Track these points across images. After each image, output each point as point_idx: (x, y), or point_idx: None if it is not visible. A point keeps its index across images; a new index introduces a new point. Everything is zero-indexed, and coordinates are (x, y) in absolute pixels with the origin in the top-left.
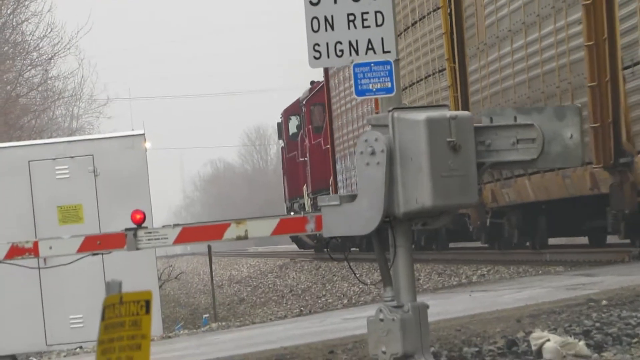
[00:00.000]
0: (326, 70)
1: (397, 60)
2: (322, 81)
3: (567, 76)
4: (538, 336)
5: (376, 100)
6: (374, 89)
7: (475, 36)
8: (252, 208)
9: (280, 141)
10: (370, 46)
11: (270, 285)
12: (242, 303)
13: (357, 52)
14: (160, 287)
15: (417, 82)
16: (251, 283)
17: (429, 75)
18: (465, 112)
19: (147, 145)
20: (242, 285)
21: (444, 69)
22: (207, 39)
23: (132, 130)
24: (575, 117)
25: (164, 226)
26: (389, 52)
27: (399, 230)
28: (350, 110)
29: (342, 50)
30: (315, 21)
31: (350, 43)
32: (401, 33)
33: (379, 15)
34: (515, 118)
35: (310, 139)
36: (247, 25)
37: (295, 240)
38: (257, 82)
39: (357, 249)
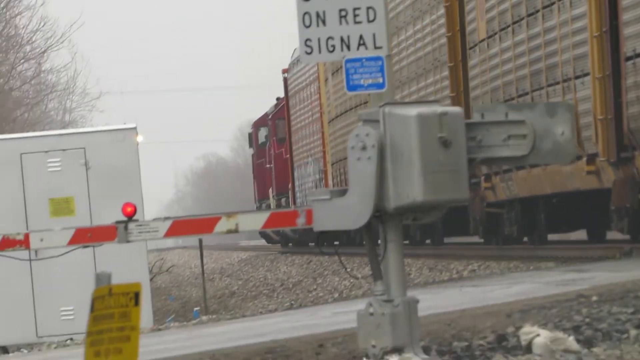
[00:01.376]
0: (286, 91)
1: (389, 56)
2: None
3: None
4: (528, 331)
5: (321, 120)
6: (366, 84)
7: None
8: (244, 202)
9: (251, 149)
10: (362, 42)
11: (261, 279)
12: (233, 296)
13: (348, 48)
14: (151, 279)
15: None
16: (242, 276)
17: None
18: (456, 108)
19: (139, 138)
20: (233, 278)
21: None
22: (200, 34)
23: (124, 123)
24: (567, 113)
25: (154, 219)
26: (380, 47)
27: (390, 224)
28: (306, 127)
29: (333, 46)
30: (307, 16)
31: (342, 38)
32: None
33: (370, 10)
34: (506, 114)
35: (274, 148)
36: (243, 21)
37: (264, 235)
38: (250, 76)
39: (337, 243)
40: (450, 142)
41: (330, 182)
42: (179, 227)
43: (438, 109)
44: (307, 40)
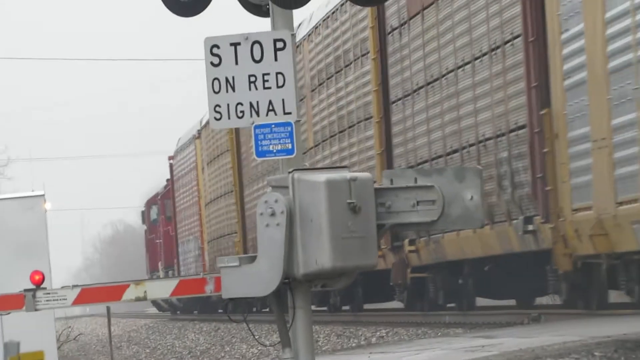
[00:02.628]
0: (172, 175)
1: (298, 122)
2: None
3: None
4: None
5: (199, 203)
6: (275, 150)
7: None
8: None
9: (144, 225)
10: (271, 107)
11: (169, 347)
12: None
13: (257, 114)
14: (58, 348)
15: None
16: (150, 344)
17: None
18: (366, 174)
19: (47, 206)
20: (141, 346)
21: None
22: (107, 98)
23: (33, 191)
24: (476, 178)
25: (62, 287)
26: (289, 113)
27: (299, 291)
28: (187, 208)
29: (242, 112)
30: (216, 82)
31: (251, 104)
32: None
33: (280, 76)
34: (415, 179)
35: (163, 225)
36: (149, 85)
37: (154, 303)
38: (157, 142)
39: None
40: (360, 208)
41: (206, 257)
42: (87, 295)
43: (347, 174)
44: (216, 106)
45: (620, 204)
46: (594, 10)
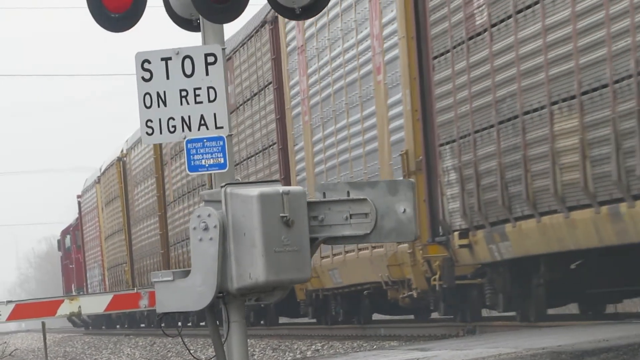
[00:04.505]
0: (80, 211)
1: (230, 136)
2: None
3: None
4: None
5: (100, 237)
6: (207, 165)
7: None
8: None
9: (60, 252)
10: (203, 122)
11: None
12: None
13: (189, 128)
14: None
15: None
16: (86, 359)
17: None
18: (298, 188)
19: None
20: None
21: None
22: (33, 114)
23: None
24: (409, 191)
25: None
26: (221, 127)
27: (233, 305)
28: (93, 240)
29: (174, 126)
30: (147, 97)
31: (182, 119)
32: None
33: (211, 91)
34: (348, 193)
35: (75, 253)
36: (76, 101)
37: (69, 319)
38: (85, 158)
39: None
40: (293, 222)
41: (107, 282)
42: (21, 310)
43: (280, 188)
44: (147, 121)
45: None
46: None
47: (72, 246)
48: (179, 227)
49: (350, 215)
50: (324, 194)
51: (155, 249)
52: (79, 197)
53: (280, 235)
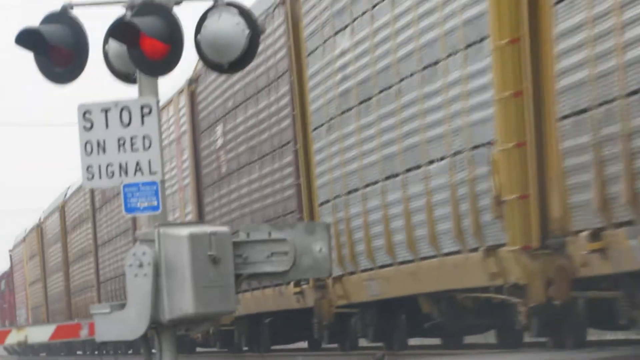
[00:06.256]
0: (11, 264)
1: (162, 181)
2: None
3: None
4: None
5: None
6: (142, 207)
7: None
8: None
9: None
10: (138, 167)
11: None
12: None
13: (126, 174)
14: None
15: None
16: None
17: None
18: (225, 228)
19: None
20: None
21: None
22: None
23: None
24: (324, 232)
25: None
26: (155, 173)
27: (165, 335)
28: (21, 285)
29: (113, 172)
30: (88, 145)
31: (120, 165)
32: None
33: (146, 139)
34: (269, 233)
35: (7, 295)
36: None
37: (5, 347)
38: (29, 201)
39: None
40: (219, 259)
41: (30, 320)
42: None
43: (208, 229)
44: (88, 167)
45: None
46: None
47: (6, 289)
48: (81, 279)
49: (272, 254)
50: (248, 234)
51: (62, 296)
52: (10, 251)
53: (208, 271)
